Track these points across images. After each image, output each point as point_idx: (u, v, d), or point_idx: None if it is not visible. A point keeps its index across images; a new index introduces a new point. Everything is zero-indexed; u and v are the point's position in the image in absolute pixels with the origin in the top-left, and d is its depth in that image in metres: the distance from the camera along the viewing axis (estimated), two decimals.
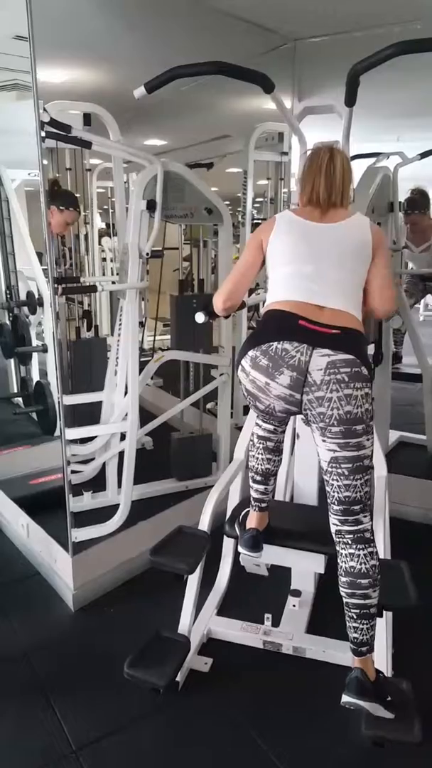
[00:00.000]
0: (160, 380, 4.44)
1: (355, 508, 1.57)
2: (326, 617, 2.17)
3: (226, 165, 4.08)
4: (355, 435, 1.49)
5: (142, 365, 2.76)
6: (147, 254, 2.60)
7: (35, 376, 4.01)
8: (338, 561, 1.62)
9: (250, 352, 1.56)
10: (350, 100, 1.84)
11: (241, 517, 1.98)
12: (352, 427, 1.49)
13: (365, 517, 1.58)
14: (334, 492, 1.57)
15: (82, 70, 3.15)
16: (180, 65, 1.78)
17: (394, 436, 3.58)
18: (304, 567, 1.90)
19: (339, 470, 1.54)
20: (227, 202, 2.82)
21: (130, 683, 1.78)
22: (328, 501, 1.61)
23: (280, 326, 1.54)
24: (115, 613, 2.30)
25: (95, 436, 2.88)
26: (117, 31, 2.68)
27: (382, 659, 1.84)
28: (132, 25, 2.62)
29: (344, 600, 1.60)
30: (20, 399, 4.19)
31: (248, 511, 1.95)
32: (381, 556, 1.88)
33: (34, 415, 3.85)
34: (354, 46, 2.72)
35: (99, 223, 4.90)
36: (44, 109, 2.18)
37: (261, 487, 1.89)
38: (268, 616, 2.13)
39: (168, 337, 5.04)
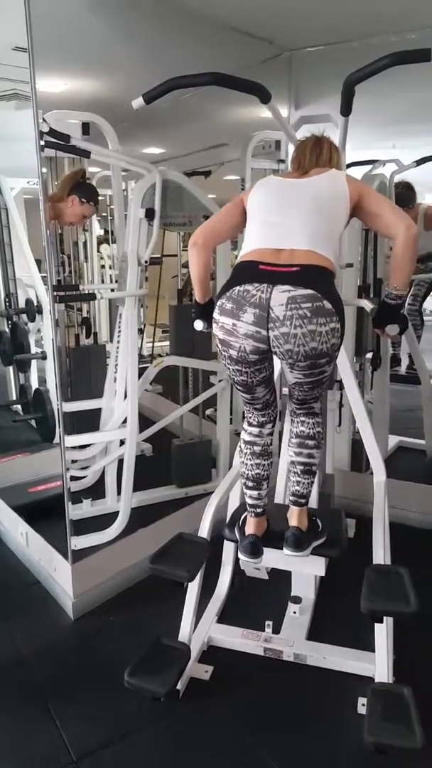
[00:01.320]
0: (159, 387, 4.45)
1: (309, 401, 1.80)
2: (327, 624, 2.17)
3: (224, 172, 4.10)
4: (319, 366, 1.61)
5: (141, 372, 2.77)
6: (146, 262, 2.61)
7: (34, 384, 4.02)
8: (291, 428, 1.86)
9: (218, 302, 1.63)
10: (346, 110, 1.86)
11: (240, 521, 1.97)
12: (317, 361, 1.59)
13: (316, 403, 1.82)
14: (294, 394, 1.78)
15: (81, 80, 3.17)
16: (177, 76, 1.80)
17: (393, 440, 3.59)
18: (305, 570, 1.91)
19: (301, 388, 1.73)
20: None
21: (130, 692, 1.78)
22: (288, 394, 1.81)
23: (242, 274, 1.61)
24: (115, 621, 2.30)
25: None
26: (115, 42, 2.71)
27: (383, 665, 1.85)
28: (130, 36, 2.65)
29: (292, 459, 1.84)
30: (19, 406, 4.20)
31: (246, 517, 1.94)
32: (381, 562, 1.90)
33: (33, 423, 3.85)
34: (350, 55, 2.75)
35: (98, 230, 4.92)
36: (43, 119, 2.20)
37: (254, 493, 1.88)
38: (268, 623, 2.13)
39: (167, 343, 5.08)
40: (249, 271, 1.59)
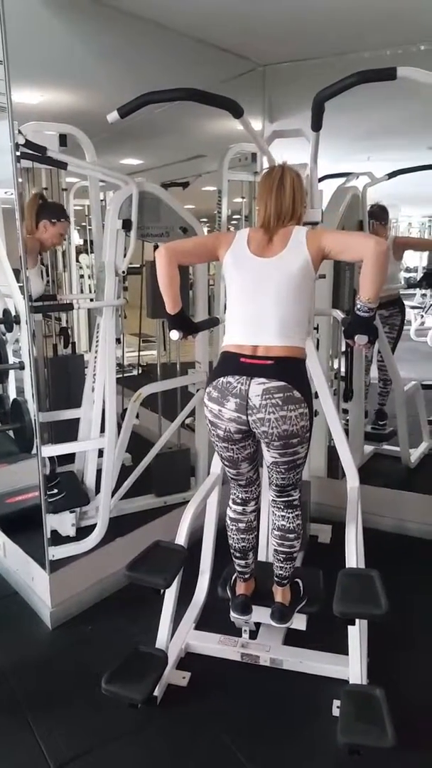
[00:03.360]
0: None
1: (287, 489, 1.94)
2: (303, 629, 2.20)
3: (202, 183, 4.15)
4: (292, 446, 1.79)
5: (120, 381, 2.79)
6: (123, 272, 2.63)
7: (12, 394, 4.00)
8: (272, 519, 2.00)
9: (207, 389, 1.84)
10: (316, 125, 1.91)
11: (231, 581, 2.12)
12: (289, 441, 1.78)
13: (294, 491, 1.96)
14: (272, 479, 1.93)
15: (58, 92, 3.20)
16: (152, 91, 1.83)
17: (369, 448, 3.64)
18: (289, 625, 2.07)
19: (277, 469, 1.87)
20: (204, 219, 2.87)
21: (108, 700, 1.78)
22: (268, 481, 1.97)
23: (226, 365, 1.82)
24: (93, 630, 2.30)
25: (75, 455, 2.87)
26: (92, 55, 2.74)
27: (356, 667, 1.88)
28: (107, 50, 2.68)
29: (274, 548, 1.99)
30: None
31: (236, 579, 2.10)
32: (354, 566, 1.93)
33: (11, 433, 3.82)
34: (323, 70, 2.81)
35: (77, 240, 4.93)
36: (19, 131, 2.21)
37: (242, 562, 2.05)
38: (245, 628, 2.15)
39: (148, 352, 5.10)
40: (231, 363, 1.80)
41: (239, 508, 2.02)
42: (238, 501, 2.02)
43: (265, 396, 1.72)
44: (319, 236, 1.78)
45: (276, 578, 2.02)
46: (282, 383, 1.72)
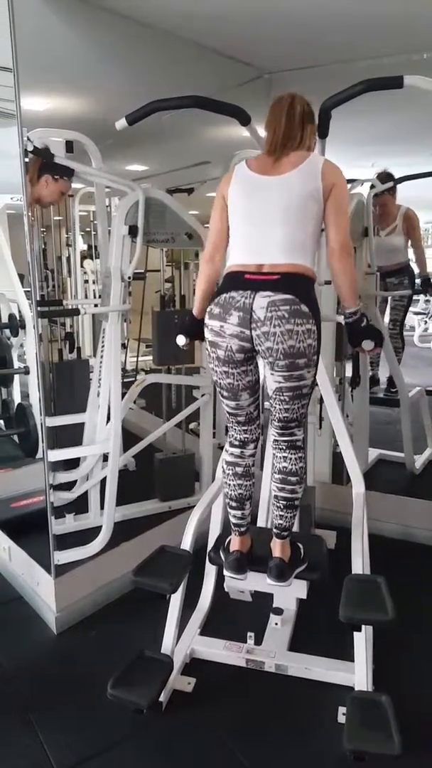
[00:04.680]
0: (143, 401, 4.46)
1: (291, 425, 1.83)
2: (308, 635, 2.20)
3: (206, 189, 4.17)
4: (298, 368, 1.69)
5: (125, 386, 2.80)
6: (129, 277, 2.65)
7: (17, 398, 4.02)
8: (273, 462, 1.88)
9: (209, 308, 1.77)
10: (322, 133, 1.93)
11: (225, 543, 2.02)
12: (296, 361, 1.68)
13: (299, 430, 1.85)
14: (276, 412, 1.81)
15: (64, 98, 3.22)
16: (159, 99, 1.85)
17: (373, 454, 3.64)
18: (287, 592, 1.98)
19: (281, 397, 1.76)
20: (209, 225, 2.88)
21: (113, 704, 1.78)
22: (270, 417, 1.84)
23: (229, 282, 1.74)
24: (98, 635, 2.30)
25: (79, 460, 2.88)
26: (98, 62, 2.76)
27: (362, 673, 1.87)
28: (113, 57, 2.70)
29: (274, 494, 1.86)
30: (1, 421, 4.19)
31: (231, 538, 1.99)
32: (360, 572, 1.93)
33: (15, 438, 3.84)
34: (328, 77, 2.83)
35: (81, 245, 4.95)
36: (27, 138, 2.23)
37: (238, 513, 1.94)
38: (250, 634, 2.15)
39: (150, 357, 5.11)
40: (235, 281, 1.72)
41: (237, 451, 1.91)
42: (236, 443, 1.91)
43: (270, 308, 1.64)
44: (335, 177, 1.72)
45: (275, 529, 1.88)
46: (289, 296, 1.64)
